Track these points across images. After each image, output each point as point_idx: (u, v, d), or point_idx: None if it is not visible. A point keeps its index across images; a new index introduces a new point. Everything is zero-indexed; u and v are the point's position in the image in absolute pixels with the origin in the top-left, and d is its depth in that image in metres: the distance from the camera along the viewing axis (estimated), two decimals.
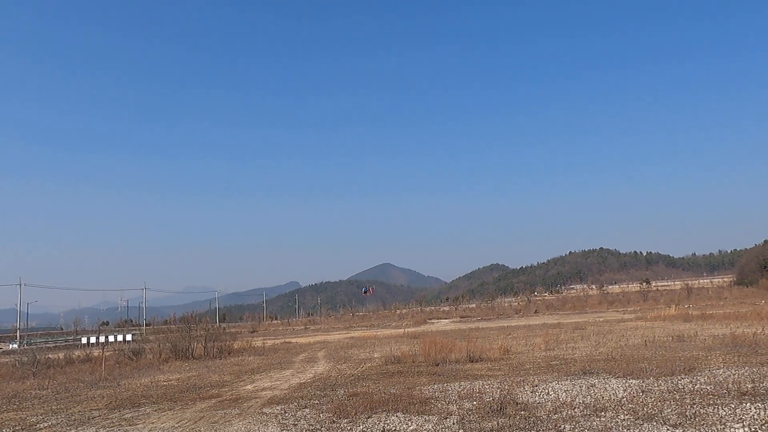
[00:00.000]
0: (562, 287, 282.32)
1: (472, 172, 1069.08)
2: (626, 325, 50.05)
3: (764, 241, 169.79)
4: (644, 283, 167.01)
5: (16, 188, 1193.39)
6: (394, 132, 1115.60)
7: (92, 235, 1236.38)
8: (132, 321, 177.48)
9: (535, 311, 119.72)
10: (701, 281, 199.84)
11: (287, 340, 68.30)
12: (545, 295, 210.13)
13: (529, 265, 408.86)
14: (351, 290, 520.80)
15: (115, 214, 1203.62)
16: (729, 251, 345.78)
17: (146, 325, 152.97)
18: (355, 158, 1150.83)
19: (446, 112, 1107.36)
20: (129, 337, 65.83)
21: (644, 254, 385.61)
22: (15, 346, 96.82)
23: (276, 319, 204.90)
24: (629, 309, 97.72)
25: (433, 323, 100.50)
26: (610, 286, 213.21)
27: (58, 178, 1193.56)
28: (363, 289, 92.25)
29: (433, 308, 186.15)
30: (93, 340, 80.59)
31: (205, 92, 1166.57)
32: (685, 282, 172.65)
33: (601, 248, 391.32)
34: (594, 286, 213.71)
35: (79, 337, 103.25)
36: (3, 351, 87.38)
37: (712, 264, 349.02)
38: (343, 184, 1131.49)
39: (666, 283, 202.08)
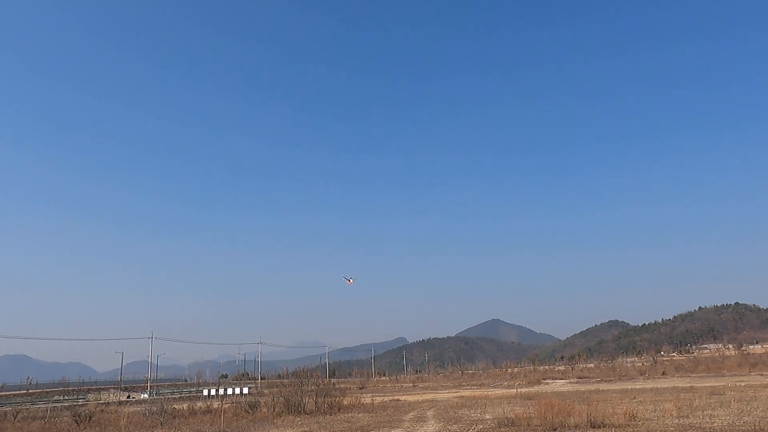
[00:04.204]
0: (693, 347, 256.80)
1: (585, 226, 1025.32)
2: None
3: None
4: None
5: (147, 241, 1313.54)
6: (498, 188, 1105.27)
7: (215, 289, 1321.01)
8: (248, 374, 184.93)
9: (663, 373, 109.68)
10: None
11: (396, 397, 67.60)
12: (673, 355, 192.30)
13: (653, 321, 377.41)
14: (459, 347, 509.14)
15: (235, 269, 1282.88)
16: None
17: (261, 379, 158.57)
18: (462, 215, 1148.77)
19: (559, 169, 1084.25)
20: (245, 390, 68.91)
21: None
22: (146, 395, 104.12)
23: (384, 375, 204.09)
24: None
25: (547, 383, 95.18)
26: (751, 346, 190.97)
27: (183, 233, 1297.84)
28: (344, 278, 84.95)
29: (546, 367, 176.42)
30: (213, 392, 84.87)
31: (316, 151, 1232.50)
32: None
33: (736, 303, 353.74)
34: (731, 346, 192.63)
35: (201, 388, 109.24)
36: (135, 400, 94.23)
37: None
38: (450, 240, 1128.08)
39: None
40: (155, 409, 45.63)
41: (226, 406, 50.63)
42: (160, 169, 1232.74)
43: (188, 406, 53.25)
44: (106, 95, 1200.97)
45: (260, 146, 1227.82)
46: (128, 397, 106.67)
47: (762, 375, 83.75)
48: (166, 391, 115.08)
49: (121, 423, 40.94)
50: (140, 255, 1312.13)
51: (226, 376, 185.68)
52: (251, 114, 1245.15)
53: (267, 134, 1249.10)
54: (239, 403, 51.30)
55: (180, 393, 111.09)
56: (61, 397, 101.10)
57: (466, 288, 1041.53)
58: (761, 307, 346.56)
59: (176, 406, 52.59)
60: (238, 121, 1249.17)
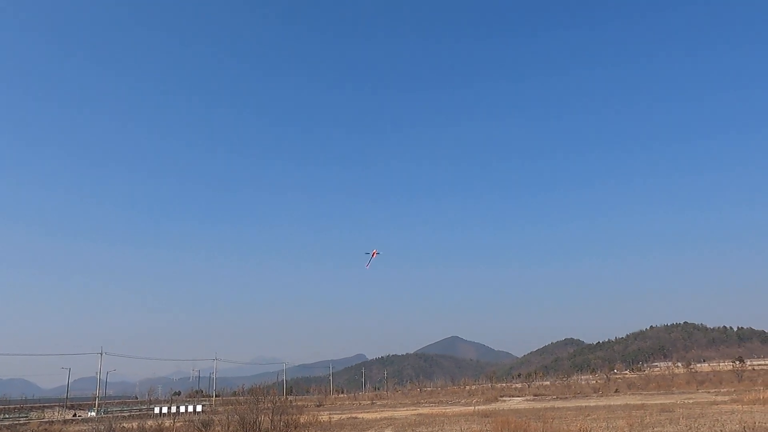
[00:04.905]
0: (644, 364, 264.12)
1: (542, 244, 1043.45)
2: (720, 408, 45.86)
3: None
4: (737, 362, 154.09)
5: (98, 253, 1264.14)
6: (458, 203, 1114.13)
7: (168, 303, 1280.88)
8: (202, 391, 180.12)
9: (616, 390, 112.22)
10: None
11: (353, 415, 66.96)
12: (626, 373, 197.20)
13: (607, 339, 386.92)
14: (418, 364, 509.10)
15: (190, 282, 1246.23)
16: None
17: (216, 396, 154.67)
18: (420, 229, 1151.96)
19: (513, 183, 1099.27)
20: (199, 408, 67.06)
21: (735, 329, 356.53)
22: (93, 414, 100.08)
23: (342, 392, 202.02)
24: (722, 390, 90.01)
25: (504, 401, 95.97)
26: (699, 364, 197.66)
27: (137, 244, 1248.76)
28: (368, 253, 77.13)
29: (504, 385, 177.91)
30: (165, 410, 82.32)
31: (277, 162, 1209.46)
32: None
33: (685, 322, 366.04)
34: (680, 364, 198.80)
35: (152, 406, 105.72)
36: (82, 419, 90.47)
37: None
38: (409, 256, 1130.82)
39: (762, 362, 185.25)
40: (103, 427, 43.90)
41: (178, 424, 49.15)
42: (109, 177, 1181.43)
43: (138, 425, 51.40)
44: (42, 96, 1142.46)
45: (217, 155, 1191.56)
46: (74, 415, 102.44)
47: (709, 392, 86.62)
48: (115, 409, 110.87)
49: None
50: (89, 266, 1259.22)
51: (179, 394, 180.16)
52: (207, 121, 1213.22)
53: (224, 143, 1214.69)
54: (192, 421, 49.85)
55: (130, 411, 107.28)
56: (2, 416, 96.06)
57: (425, 305, 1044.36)
58: (708, 326, 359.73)
59: (125, 425, 50.72)
60: (193, 129, 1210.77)
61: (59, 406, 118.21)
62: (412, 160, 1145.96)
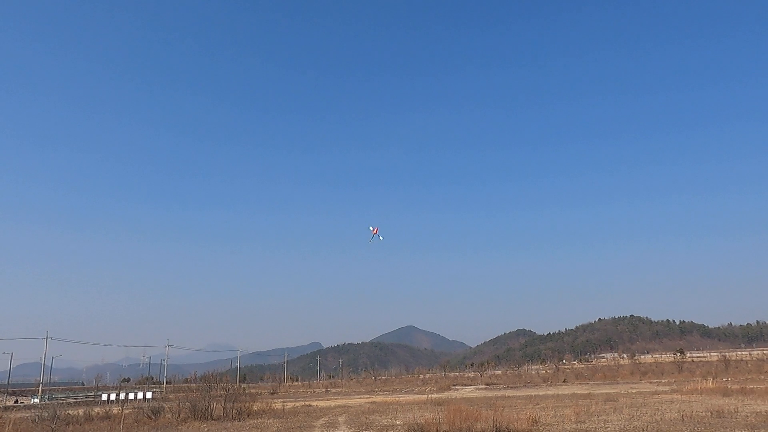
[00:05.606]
0: (592, 355, 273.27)
1: (498, 235, 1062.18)
2: (661, 397, 47.83)
3: None
4: (678, 354, 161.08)
5: (44, 237, 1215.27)
6: (418, 192, 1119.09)
7: (118, 288, 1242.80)
8: (153, 378, 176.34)
9: (564, 380, 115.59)
10: (739, 353, 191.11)
11: (307, 402, 66.87)
12: (574, 364, 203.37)
13: (557, 331, 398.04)
14: (374, 352, 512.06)
15: (141, 267, 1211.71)
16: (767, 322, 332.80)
17: (167, 383, 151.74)
18: (379, 218, 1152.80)
19: (474, 172, 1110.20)
20: (149, 395, 65.28)
21: (677, 323, 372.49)
22: (36, 400, 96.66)
23: (297, 380, 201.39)
24: (663, 381, 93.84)
25: (457, 390, 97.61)
26: (643, 356, 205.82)
27: (86, 227, 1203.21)
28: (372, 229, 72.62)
29: (457, 374, 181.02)
30: (113, 396, 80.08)
31: (236, 147, 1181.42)
32: (722, 353, 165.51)
33: (632, 316, 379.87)
34: (625, 356, 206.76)
35: (100, 393, 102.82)
36: (25, 405, 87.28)
37: (750, 335, 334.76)
38: (366, 246, 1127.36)
39: (701, 354, 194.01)
40: (46, 414, 42.39)
41: (127, 411, 47.97)
42: (55, 157, 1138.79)
43: (84, 412, 49.94)
44: None
45: (168, 138, 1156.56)
46: (16, 401, 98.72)
47: (651, 383, 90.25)
48: (60, 396, 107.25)
49: (6, 430, 37.71)
50: (36, 250, 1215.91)
51: (128, 380, 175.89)
52: (154, 105, 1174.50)
53: (174, 125, 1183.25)
54: (141, 408, 48.74)
55: (76, 397, 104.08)
56: None
57: (382, 294, 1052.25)
58: (653, 319, 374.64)
59: (71, 412, 49.17)
60: (144, 113, 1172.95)
61: (0, 392, 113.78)
62: (370, 148, 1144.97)
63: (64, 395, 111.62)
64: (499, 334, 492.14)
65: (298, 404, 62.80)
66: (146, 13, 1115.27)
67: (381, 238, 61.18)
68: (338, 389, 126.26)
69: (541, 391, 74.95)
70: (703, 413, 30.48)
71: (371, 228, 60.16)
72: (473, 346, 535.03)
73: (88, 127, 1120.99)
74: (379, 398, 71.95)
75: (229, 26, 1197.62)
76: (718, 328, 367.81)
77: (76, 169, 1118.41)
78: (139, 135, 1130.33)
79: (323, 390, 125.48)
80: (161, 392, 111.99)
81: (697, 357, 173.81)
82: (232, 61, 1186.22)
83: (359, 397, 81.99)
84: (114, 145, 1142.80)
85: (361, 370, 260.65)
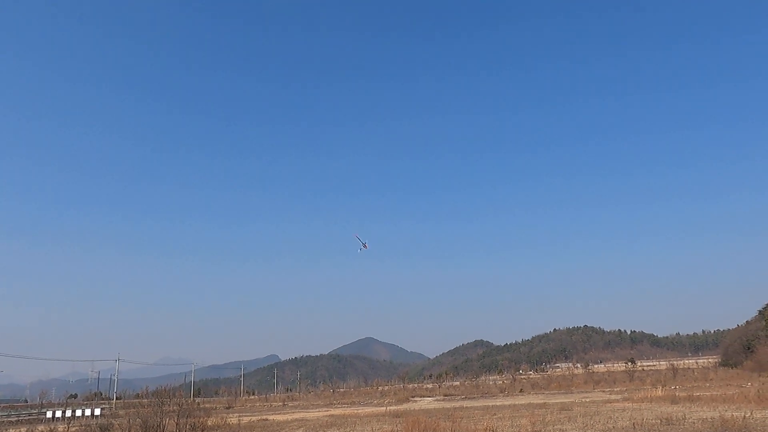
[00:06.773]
0: (547, 365, 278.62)
1: (455, 246, 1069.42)
2: (613, 406, 48.99)
3: (746, 321, 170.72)
4: (630, 363, 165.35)
5: None
6: (376, 201, 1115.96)
7: (63, 300, 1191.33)
8: (102, 394, 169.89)
9: (521, 390, 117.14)
10: (686, 361, 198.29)
11: (264, 417, 65.63)
12: (530, 374, 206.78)
13: (514, 341, 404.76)
14: (332, 365, 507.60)
15: (88, 278, 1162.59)
16: (712, 331, 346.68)
17: (117, 399, 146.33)
18: (336, 228, 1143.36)
19: (426, 181, 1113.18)
20: (97, 412, 63.21)
21: (629, 333, 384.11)
22: None
23: (254, 394, 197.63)
24: (615, 389, 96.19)
25: (416, 401, 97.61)
26: (596, 365, 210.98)
27: (30, 238, 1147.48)
28: (359, 240, 75.71)
29: (416, 385, 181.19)
30: (59, 414, 76.87)
31: (195, 154, 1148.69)
32: (671, 362, 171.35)
33: (585, 326, 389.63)
34: (579, 365, 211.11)
35: (44, 410, 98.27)
36: None
37: (696, 344, 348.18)
38: (324, 255, 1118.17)
39: (651, 363, 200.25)
40: None
41: (73, 429, 46.05)
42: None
43: (27, 430, 47.67)
44: None
45: (122, 147, 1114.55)
46: None
47: (604, 392, 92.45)
48: (1, 414, 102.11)
49: None
50: None
51: (75, 396, 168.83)
52: (114, 111, 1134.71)
53: (131, 134, 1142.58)
54: (89, 425, 46.86)
55: (18, 415, 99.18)
56: None
57: (340, 306, 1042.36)
58: (605, 329, 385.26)
59: (12, 431, 46.85)
60: (96, 119, 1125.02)
61: None
62: (336, 155, 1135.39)
63: (5, 413, 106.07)
64: (458, 345, 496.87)
65: (254, 419, 61.57)
66: (136, 30, 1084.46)
67: (367, 246, 61.17)
68: (296, 402, 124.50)
69: (498, 402, 75.74)
70: (653, 421, 31.39)
71: (360, 240, 59.97)
72: (432, 357, 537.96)
73: (46, 138, 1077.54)
74: (337, 411, 71.26)
75: (212, 38, 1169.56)
76: (667, 337, 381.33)
77: (18, 179, 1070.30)
78: (92, 143, 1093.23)
79: (280, 403, 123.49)
80: (110, 409, 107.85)
81: (648, 366, 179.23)
82: (212, 70, 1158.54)
83: (317, 410, 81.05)
84: (59, 153, 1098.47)
85: (320, 382, 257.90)
